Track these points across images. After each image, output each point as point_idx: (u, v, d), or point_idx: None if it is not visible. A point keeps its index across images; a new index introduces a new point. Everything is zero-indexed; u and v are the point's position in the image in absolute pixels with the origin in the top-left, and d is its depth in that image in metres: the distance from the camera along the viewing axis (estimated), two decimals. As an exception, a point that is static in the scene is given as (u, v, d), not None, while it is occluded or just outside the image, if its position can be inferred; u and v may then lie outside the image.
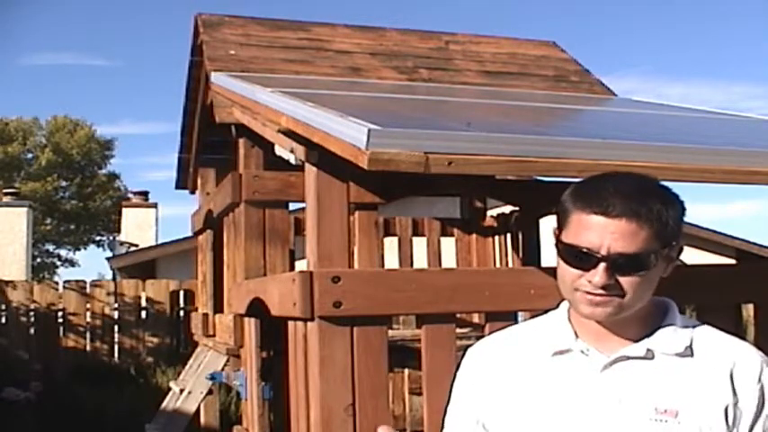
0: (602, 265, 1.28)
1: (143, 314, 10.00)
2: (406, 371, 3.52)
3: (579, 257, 1.31)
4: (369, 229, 2.66)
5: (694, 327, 1.40)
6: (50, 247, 29.06)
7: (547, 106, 3.62)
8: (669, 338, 1.36)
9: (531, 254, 3.75)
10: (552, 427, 1.34)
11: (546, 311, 1.53)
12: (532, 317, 1.58)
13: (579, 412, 1.33)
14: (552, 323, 1.45)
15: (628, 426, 1.30)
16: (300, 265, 2.80)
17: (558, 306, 1.48)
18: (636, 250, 1.28)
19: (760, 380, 1.33)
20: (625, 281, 1.30)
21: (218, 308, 4.47)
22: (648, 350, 1.35)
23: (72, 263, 29.31)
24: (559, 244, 1.35)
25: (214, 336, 4.42)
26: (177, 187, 5.58)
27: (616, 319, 1.34)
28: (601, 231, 1.29)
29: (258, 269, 3.40)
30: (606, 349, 1.36)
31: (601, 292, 1.30)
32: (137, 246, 14.44)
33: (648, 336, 1.36)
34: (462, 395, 1.51)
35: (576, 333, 1.40)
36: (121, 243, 15.50)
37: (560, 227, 1.37)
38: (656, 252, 1.30)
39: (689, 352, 1.35)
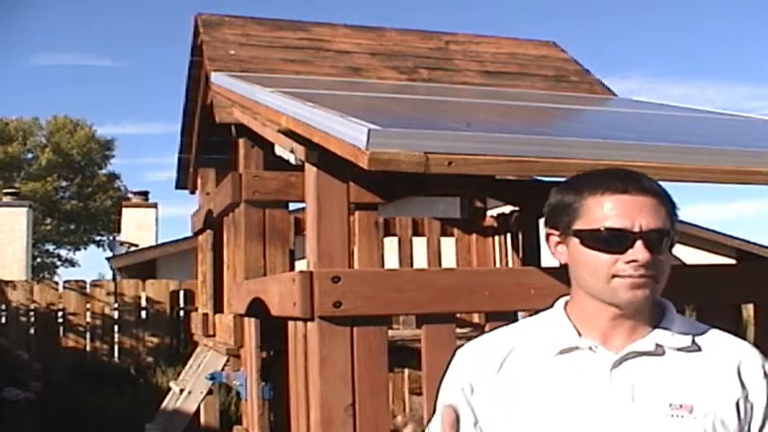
0: (640, 242, 1.26)
1: (143, 314, 10.00)
2: (406, 371, 3.51)
3: (611, 240, 1.27)
4: (369, 229, 2.66)
5: (693, 324, 1.41)
6: (50, 247, 29.08)
7: (547, 106, 3.62)
8: (673, 334, 1.35)
9: (531, 254, 3.75)
10: (565, 429, 1.30)
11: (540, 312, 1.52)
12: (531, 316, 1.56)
13: (592, 411, 1.29)
14: (550, 322, 1.40)
15: (644, 423, 1.28)
16: (300, 265, 2.80)
17: (552, 305, 1.45)
18: (663, 225, 1.28)
19: (766, 374, 1.34)
20: (658, 259, 1.28)
21: (218, 308, 4.47)
22: (658, 345, 1.33)
23: (72, 263, 29.35)
24: (581, 233, 1.31)
25: (214, 336, 4.42)
26: (177, 187, 5.58)
27: (623, 316, 1.33)
28: (628, 209, 1.27)
29: (258, 269, 3.40)
30: (612, 347, 1.34)
31: (642, 272, 1.27)
32: (137, 246, 14.43)
33: (651, 333, 1.35)
34: (454, 399, 1.40)
35: (578, 332, 1.36)
36: (121, 243, 15.49)
37: (568, 221, 1.34)
38: (674, 230, 1.30)
39: (696, 347, 1.35)
